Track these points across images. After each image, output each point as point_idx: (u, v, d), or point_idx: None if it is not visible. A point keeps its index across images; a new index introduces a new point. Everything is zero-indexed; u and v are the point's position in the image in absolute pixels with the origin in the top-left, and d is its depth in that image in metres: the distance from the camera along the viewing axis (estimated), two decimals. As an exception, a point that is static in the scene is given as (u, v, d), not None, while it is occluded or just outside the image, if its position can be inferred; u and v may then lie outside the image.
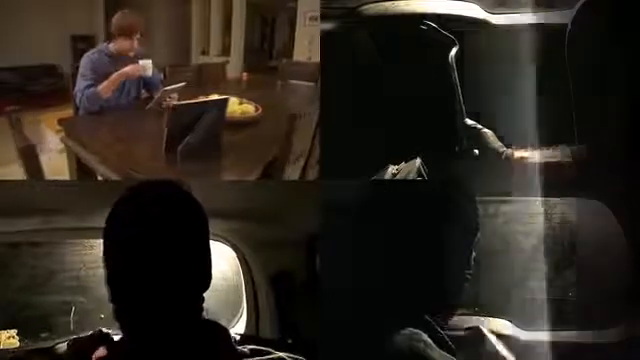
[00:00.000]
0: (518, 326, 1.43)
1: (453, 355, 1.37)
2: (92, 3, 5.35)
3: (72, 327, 2.01)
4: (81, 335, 1.74)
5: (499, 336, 1.43)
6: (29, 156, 2.12)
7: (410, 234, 1.47)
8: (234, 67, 5.94)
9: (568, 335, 1.41)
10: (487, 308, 1.49)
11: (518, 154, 1.58)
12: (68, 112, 3.09)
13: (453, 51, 1.72)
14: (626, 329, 1.44)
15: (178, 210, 1.08)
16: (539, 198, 1.41)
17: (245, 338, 1.89)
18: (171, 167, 2.04)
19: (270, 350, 1.15)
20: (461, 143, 1.66)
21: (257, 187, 2.06)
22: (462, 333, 1.47)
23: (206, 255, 1.11)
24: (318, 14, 1.96)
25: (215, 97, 2.62)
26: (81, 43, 4.82)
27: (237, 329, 2.19)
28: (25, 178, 2.14)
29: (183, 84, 2.95)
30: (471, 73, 1.65)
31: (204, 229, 1.11)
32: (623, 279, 1.46)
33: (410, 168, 1.65)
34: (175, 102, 2.65)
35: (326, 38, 1.89)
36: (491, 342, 1.43)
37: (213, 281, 1.12)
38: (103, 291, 1.09)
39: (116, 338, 1.17)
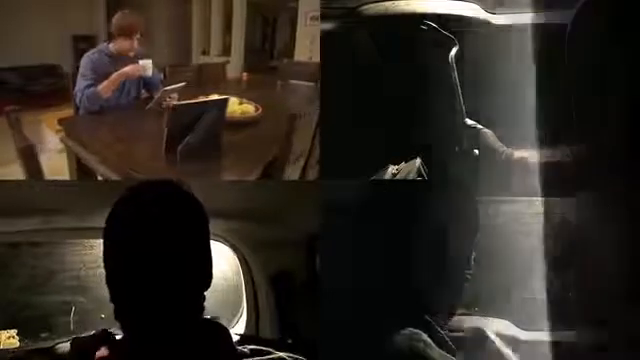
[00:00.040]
0: (518, 326, 1.43)
1: (453, 355, 1.37)
2: (93, 3, 5.35)
3: (72, 327, 2.01)
4: (84, 334, 1.74)
5: (499, 336, 1.43)
6: (28, 156, 2.12)
7: (410, 234, 1.47)
8: (235, 67, 5.94)
9: (568, 335, 1.41)
10: (487, 308, 1.48)
11: (518, 154, 1.58)
12: (68, 112, 3.09)
13: (453, 51, 1.72)
14: (626, 329, 1.44)
15: (178, 210, 1.08)
16: (539, 198, 1.41)
17: (245, 338, 1.90)
18: (171, 167, 2.04)
19: (270, 350, 1.15)
20: (461, 143, 1.66)
21: (257, 187, 2.06)
22: (462, 333, 1.47)
23: (207, 254, 1.11)
24: (319, 14, 1.96)
25: (215, 97, 2.62)
26: (82, 43, 4.82)
27: (237, 329, 2.19)
28: (25, 178, 2.14)
29: (183, 84, 2.95)
30: (471, 73, 1.65)
31: (205, 229, 1.11)
32: (623, 279, 1.46)
33: (410, 168, 1.65)
34: (175, 102, 2.65)
35: (326, 38, 1.89)
36: (493, 342, 1.43)
37: (213, 281, 1.12)
38: (103, 291, 1.09)
39: (117, 338, 1.17)
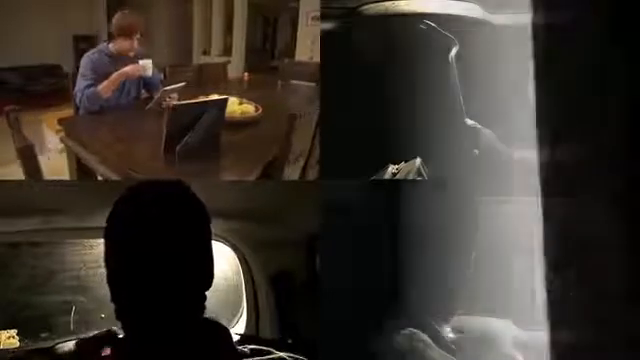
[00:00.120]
0: (518, 326, 1.42)
1: (453, 355, 1.37)
2: (93, 3, 5.35)
3: (72, 327, 2.00)
4: (89, 335, 1.74)
5: (499, 336, 1.43)
6: (28, 156, 2.12)
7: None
8: (235, 67, 5.94)
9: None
10: (487, 308, 1.48)
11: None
12: (69, 112, 3.10)
13: (453, 51, 1.72)
14: (626, 329, 1.44)
15: (180, 209, 1.08)
16: (539, 198, 1.41)
17: (245, 338, 1.90)
18: (170, 167, 2.04)
19: (270, 350, 1.15)
20: (461, 143, 1.66)
21: (257, 187, 2.06)
22: (462, 333, 1.47)
23: (208, 254, 1.11)
24: (320, 14, 1.96)
25: (215, 97, 2.62)
26: (83, 43, 4.83)
27: (237, 329, 2.19)
28: (24, 178, 2.14)
29: (183, 84, 2.95)
30: (471, 73, 1.65)
31: (206, 228, 1.11)
32: (623, 279, 1.46)
33: (410, 168, 1.65)
34: (175, 102, 2.65)
35: (326, 38, 1.89)
36: (493, 342, 1.43)
37: (213, 281, 1.12)
38: (103, 291, 1.09)
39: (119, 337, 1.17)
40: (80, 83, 2.79)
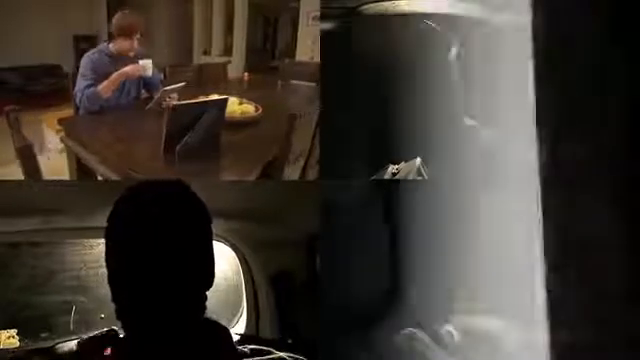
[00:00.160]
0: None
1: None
2: (94, 3, 5.35)
3: (72, 327, 2.00)
4: (89, 335, 1.74)
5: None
6: (27, 156, 2.12)
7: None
8: (236, 67, 5.94)
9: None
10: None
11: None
12: (69, 112, 3.10)
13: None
14: (626, 329, 1.44)
15: (180, 209, 1.08)
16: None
17: (245, 338, 1.90)
18: (170, 167, 2.03)
19: (270, 350, 1.15)
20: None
21: (257, 187, 2.05)
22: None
23: (209, 254, 1.11)
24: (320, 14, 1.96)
25: (215, 97, 2.61)
26: (83, 43, 4.83)
27: (237, 329, 2.19)
28: (24, 178, 2.14)
29: (183, 84, 2.95)
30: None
31: (207, 228, 1.11)
32: (623, 279, 1.46)
33: (410, 168, 1.65)
34: (175, 102, 2.65)
35: (326, 38, 1.89)
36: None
37: (214, 281, 1.12)
38: (103, 291, 1.09)
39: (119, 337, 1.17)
40: (80, 83, 2.79)
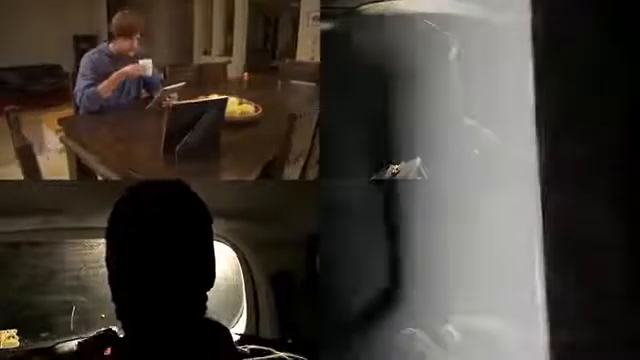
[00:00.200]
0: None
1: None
2: (94, 3, 5.35)
3: (72, 327, 2.00)
4: (90, 335, 1.73)
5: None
6: (26, 156, 2.12)
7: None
8: (236, 67, 5.94)
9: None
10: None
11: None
12: (69, 112, 3.10)
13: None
14: (626, 329, 1.44)
15: (181, 209, 1.08)
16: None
17: (245, 338, 1.90)
18: (170, 167, 2.03)
19: (270, 350, 1.15)
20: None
21: (257, 187, 2.06)
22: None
23: (209, 254, 1.11)
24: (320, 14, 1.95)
25: (215, 97, 2.62)
26: (83, 43, 4.84)
27: (237, 329, 2.19)
28: (23, 178, 2.14)
29: (183, 84, 2.95)
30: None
31: (207, 228, 1.11)
32: (623, 279, 1.46)
33: (410, 168, 1.65)
34: (175, 102, 2.65)
35: (326, 38, 1.89)
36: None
37: (215, 281, 1.12)
38: (104, 291, 1.09)
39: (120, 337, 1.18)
40: (80, 83, 2.79)
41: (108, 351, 1.12)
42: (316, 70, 2.05)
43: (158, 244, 1.03)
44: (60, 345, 1.83)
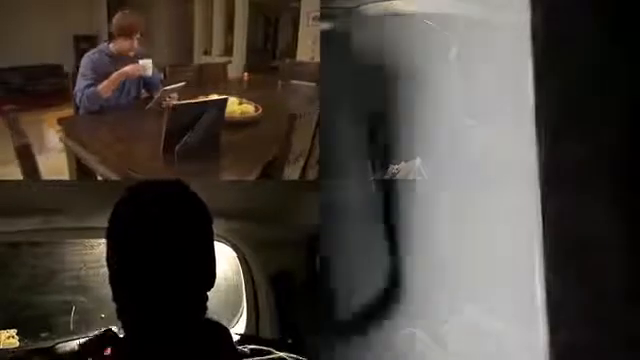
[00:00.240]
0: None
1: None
2: (94, 3, 5.36)
3: (72, 327, 2.01)
4: (90, 335, 1.74)
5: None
6: (25, 155, 2.12)
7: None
8: (236, 67, 5.95)
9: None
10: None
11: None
12: (69, 112, 3.10)
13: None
14: (626, 329, 1.44)
15: (181, 209, 1.08)
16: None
17: (245, 338, 1.90)
18: (169, 167, 2.04)
19: (270, 350, 1.15)
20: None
21: (257, 187, 2.06)
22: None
23: (210, 254, 1.11)
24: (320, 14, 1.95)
25: (215, 97, 2.62)
26: (84, 43, 4.84)
27: (237, 329, 2.19)
28: (23, 178, 2.14)
29: (183, 84, 2.95)
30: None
31: (208, 228, 1.11)
32: (623, 279, 1.46)
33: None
34: (175, 102, 2.65)
35: (326, 38, 1.89)
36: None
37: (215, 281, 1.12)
38: (104, 291, 1.09)
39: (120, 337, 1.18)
40: (80, 83, 2.79)
41: (108, 351, 1.12)
42: (316, 70, 2.05)
43: (159, 244, 1.03)
44: (60, 345, 1.83)
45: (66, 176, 2.58)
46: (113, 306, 1.08)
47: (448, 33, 1.65)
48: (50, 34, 4.85)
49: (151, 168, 2.03)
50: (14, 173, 2.20)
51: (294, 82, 4.11)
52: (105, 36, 4.46)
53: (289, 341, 2.01)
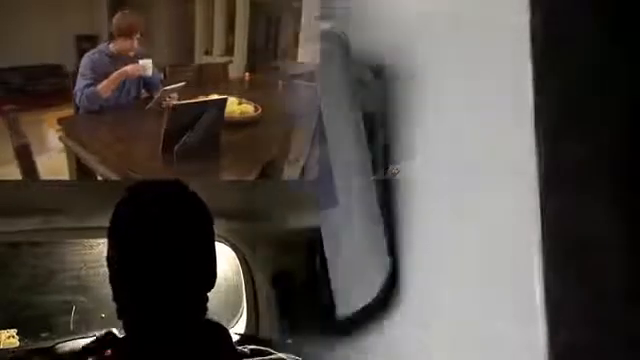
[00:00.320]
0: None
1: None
2: (94, 3, 5.35)
3: (72, 327, 2.01)
4: (90, 335, 1.74)
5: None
6: (24, 155, 2.12)
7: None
8: (237, 67, 5.94)
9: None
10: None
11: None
12: (70, 112, 3.10)
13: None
14: (626, 329, 1.44)
15: (182, 210, 1.08)
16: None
17: (245, 338, 1.90)
18: (169, 167, 2.03)
19: (270, 350, 1.15)
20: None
21: (257, 187, 2.06)
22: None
23: (210, 254, 1.11)
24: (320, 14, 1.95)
25: (215, 97, 2.61)
26: (85, 43, 4.83)
27: (237, 329, 2.20)
28: (22, 178, 2.14)
29: (183, 84, 2.95)
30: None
31: (208, 229, 1.11)
32: (623, 279, 1.46)
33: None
34: (175, 102, 2.65)
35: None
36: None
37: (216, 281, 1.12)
38: (104, 291, 1.09)
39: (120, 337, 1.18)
40: (80, 83, 2.79)
41: (108, 351, 1.12)
42: (316, 70, 2.05)
43: (159, 244, 1.04)
44: (60, 345, 1.83)
45: (66, 176, 2.58)
46: (113, 306, 1.08)
47: (447, 33, 1.65)
48: (50, 34, 4.85)
49: (151, 168, 2.03)
50: (14, 173, 2.20)
51: (294, 82, 4.11)
52: (106, 36, 4.46)
53: (289, 341, 2.01)
